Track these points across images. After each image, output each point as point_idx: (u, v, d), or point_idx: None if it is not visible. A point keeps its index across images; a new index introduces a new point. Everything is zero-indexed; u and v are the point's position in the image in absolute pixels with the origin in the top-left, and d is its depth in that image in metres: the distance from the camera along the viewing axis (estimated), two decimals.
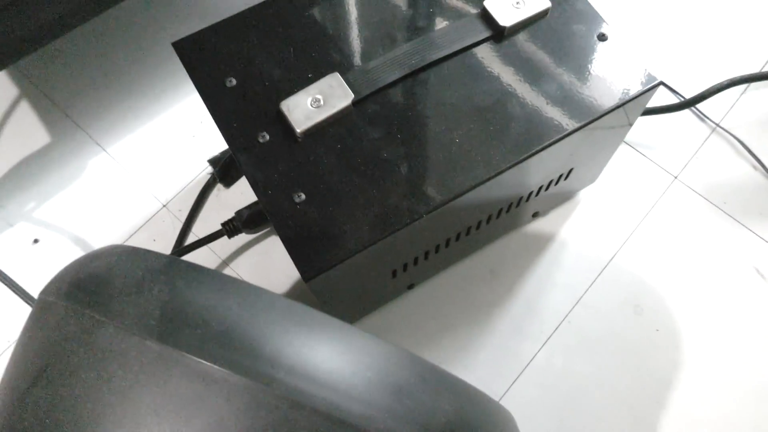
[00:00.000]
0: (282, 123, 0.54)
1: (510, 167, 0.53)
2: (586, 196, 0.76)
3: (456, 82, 0.56)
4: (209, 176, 0.77)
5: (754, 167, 0.78)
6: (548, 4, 0.58)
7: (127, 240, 0.74)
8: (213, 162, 0.78)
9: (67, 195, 0.76)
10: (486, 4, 0.58)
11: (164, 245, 0.74)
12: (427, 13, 0.59)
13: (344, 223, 0.51)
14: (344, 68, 0.56)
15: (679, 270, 0.73)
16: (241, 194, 0.76)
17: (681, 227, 0.75)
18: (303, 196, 0.52)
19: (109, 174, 0.77)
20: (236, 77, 0.56)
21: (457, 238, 0.65)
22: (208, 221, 0.75)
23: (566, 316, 0.71)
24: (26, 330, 0.35)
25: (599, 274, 0.72)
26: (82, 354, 0.31)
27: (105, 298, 0.32)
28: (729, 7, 0.88)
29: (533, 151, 0.53)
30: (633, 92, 0.56)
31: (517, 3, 0.58)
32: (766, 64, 0.84)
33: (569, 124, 0.54)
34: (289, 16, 0.59)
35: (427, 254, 0.64)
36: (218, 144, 0.79)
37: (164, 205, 0.76)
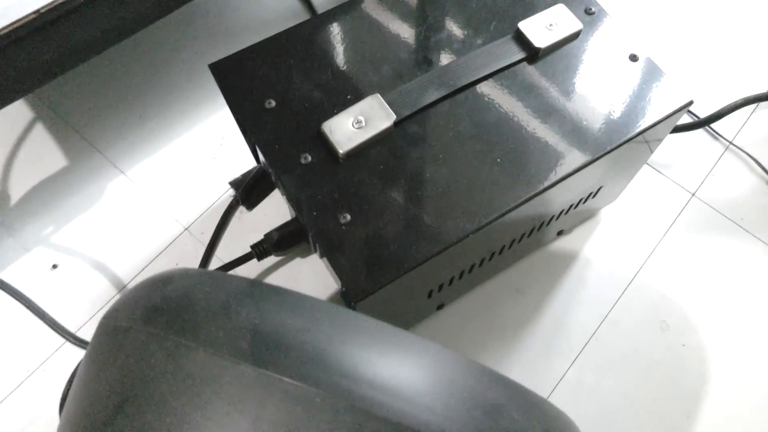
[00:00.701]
0: (324, 144, 0.54)
1: (551, 186, 0.53)
2: (607, 213, 0.77)
3: (494, 102, 0.57)
4: (231, 199, 0.76)
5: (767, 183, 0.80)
6: (580, 26, 0.59)
7: (149, 265, 0.73)
8: (235, 184, 0.77)
9: (86, 219, 0.75)
10: (520, 25, 0.59)
11: None
12: (461, 36, 0.60)
13: (391, 244, 0.51)
14: (384, 89, 0.57)
15: (701, 285, 0.73)
16: (264, 216, 0.76)
17: (701, 243, 0.76)
18: (348, 217, 0.51)
19: (128, 197, 0.76)
20: (275, 99, 0.56)
21: (491, 257, 0.65)
22: (231, 244, 0.74)
23: (594, 333, 0.71)
24: (95, 357, 0.35)
25: (624, 291, 0.73)
26: (170, 381, 0.30)
27: (190, 323, 0.31)
28: (734, 29, 0.90)
29: (572, 170, 0.54)
30: (666, 111, 0.57)
31: (550, 25, 0.59)
32: None
33: (606, 144, 0.55)
34: (325, 38, 0.59)
35: (462, 274, 0.64)
36: (239, 165, 0.79)
37: (186, 228, 0.75)
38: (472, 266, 0.64)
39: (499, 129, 0.55)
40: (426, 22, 0.60)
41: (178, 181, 0.78)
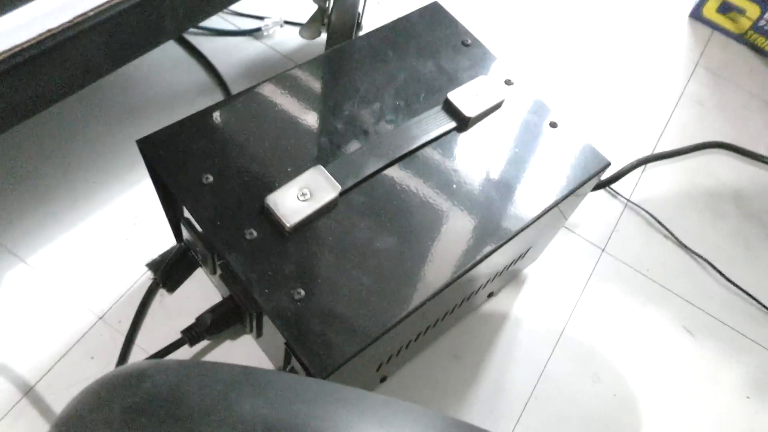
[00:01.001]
0: (269, 218, 0.52)
1: (489, 254, 0.54)
2: (530, 272, 0.80)
3: (430, 171, 0.58)
4: (151, 281, 0.71)
5: (665, 236, 0.87)
6: (503, 96, 0.63)
7: (60, 360, 0.65)
8: (153, 266, 0.72)
9: None
10: (449, 96, 0.61)
11: (105, 362, 0.66)
12: (394, 106, 0.61)
13: (349, 317, 0.49)
14: (324, 160, 0.56)
15: (623, 335, 0.77)
16: (188, 298, 0.71)
17: (616, 294, 0.80)
18: (302, 292, 0.49)
19: (30, 286, 0.69)
20: (212, 174, 0.54)
21: (435, 323, 0.65)
22: (154, 331, 0.69)
23: (532, 392, 0.72)
24: None
25: (554, 347, 0.75)
26: None
27: (187, 422, 0.28)
28: (622, 98, 1.00)
29: (509, 237, 0.55)
30: (589, 173, 0.61)
31: (476, 95, 0.62)
32: (656, 145, 0.96)
33: (538, 208, 0.57)
34: (258, 111, 0.58)
35: (408, 343, 0.63)
36: (155, 246, 0.74)
37: (100, 318, 0.68)
38: (419, 334, 0.63)
39: (438, 197, 0.56)
40: (358, 93, 0.61)
41: (87, 266, 0.71)
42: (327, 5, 0.87)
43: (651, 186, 0.91)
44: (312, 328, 0.48)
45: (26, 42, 0.53)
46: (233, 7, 0.95)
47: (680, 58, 1.08)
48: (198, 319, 0.63)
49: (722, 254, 0.86)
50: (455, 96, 0.61)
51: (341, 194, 0.54)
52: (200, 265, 0.72)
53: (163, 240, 0.74)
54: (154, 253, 0.73)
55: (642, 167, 0.93)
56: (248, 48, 0.93)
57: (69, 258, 0.71)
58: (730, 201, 0.92)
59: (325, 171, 0.54)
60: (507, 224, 0.56)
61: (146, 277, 0.72)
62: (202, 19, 0.67)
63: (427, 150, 0.59)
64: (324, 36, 0.89)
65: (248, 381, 0.30)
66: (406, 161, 0.58)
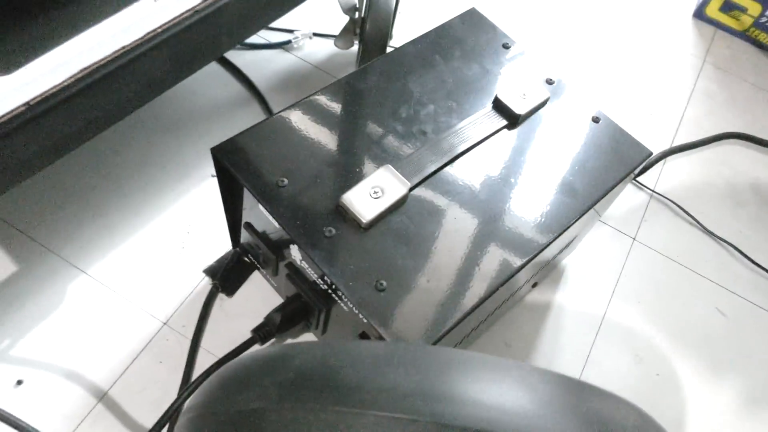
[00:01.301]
0: (345, 216, 0.55)
1: (548, 244, 0.58)
2: (568, 263, 0.84)
3: (488, 166, 0.61)
4: (211, 286, 0.73)
5: (690, 223, 0.91)
6: (548, 94, 0.66)
7: (130, 365, 0.67)
8: (210, 272, 0.75)
9: (48, 326, 0.68)
10: (498, 94, 0.65)
11: (173, 365, 0.68)
12: (447, 107, 0.64)
13: (428, 305, 0.52)
14: (390, 160, 0.59)
15: (659, 317, 0.81)
16: (246, 301, 0.74)
17: (651, 279, 0.84)
18: (384, 283, 0.52)
19: (94, 297, 0.71)
20: (286, 177, 0.57)
21: (493, 312, 0.68)
22: (218, 333, 0.71)
23: (580, 375, 0.75)
24: None
25: (597, 332, 0.78)
26: None
27: (345, 390, 0.31)
28: (637, 96, 1.04)
29: (565, 228, 0.59)
30: (634, 162, 0.64)
31: (524, 94, 0.65)
32: (674, 138, 1.00)
33: (593, 196, 0.61)
34: (322, 117, 0.61)
35: (470, 333, 0.66)
36: (210, 253, 0.76)
37: (165, 323, 0.71)
38: (479, 323, 0.66)
39: (495, 194, 0.59)
40: (413, 97, 0.64)
41: (147, 274, 0.73)
42: (358, 16, 0.90)
43: (673, 177, 0.95)
44: (396, 317, 0.51)
45: (103, 59, 0.56)
46: None
47: (688, 57, 1.13)
48: (267, 318, 0.65)
49: (745, 239, 0.90)
50: (504, 95, 0.65)
51: (409, 190, 0.57)
52: (257, 269, 0.75)
53: (217, 247, 0.77)
54: (210, 259, 0.75)
55: (663, 160, 0.97)
56: (280, 60, 0.96)
57: (128, 268, 0.73)
58: (748, 189, 0.96)
59: (394, 170, 0.57)
60: (561, 216, 0.59)
61: (204, 282, 0.74)
62: (252, 34, 0.70)
63: (483, 147, 0.62)
64: (355, 46, 0.92)
65: (394, 353, 0.33)
66: (464, 158, 0.61)
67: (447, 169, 0.60)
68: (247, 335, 0.70)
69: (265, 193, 0.55)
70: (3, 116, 0.51)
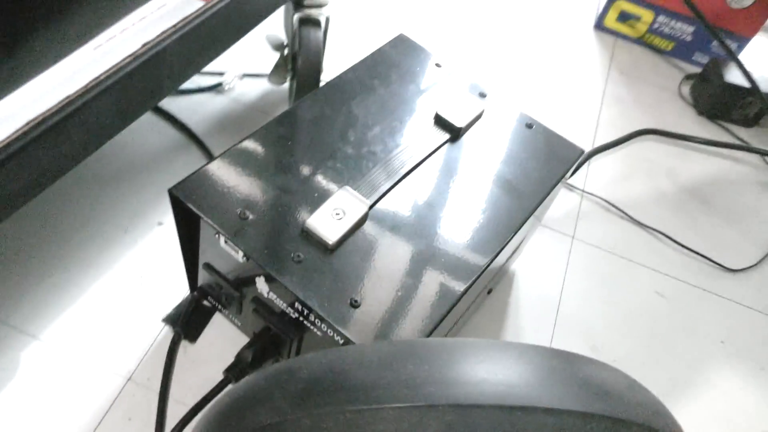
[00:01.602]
0: (311, 240, 0.56)
1: (506, 243, 0.61)
2: (517, 268, 0.87)
3: (438, 179, 0.64)
4: (173, 335, 0.71)
5: (621, 217, 0.97)
6: (483, 107, 0.70)
7: (98, 426, 0.65)
8: (169, 320, 0.73)
9: (5, 397, 0.65)
10: (439, 111, 0.68)
11: (144, 420, 0.66)
12: (391, 127, 0.67)
13: (404, 315, 0.53)
14: (346, 182, 0.61)
15: (607, 307, 0.85)
16: (210, 345, 0.72)
17: (594, 273, 0.89)
18: (358, 300, 0.53)
19: (50, 362, 0.68)
20: (248, 209, 0.57)
21: (457, 321, 0.70)
22: (185, 382, 0.69)
23: None
24: None
25: (554, 328, 0.82)
26: None
27: (359, 389, 0.32)
28: (553, 106, 1.11)
29: (518, 227, 0.62)
30: (571, 161, 0.69)
31: (460, 108, 0.69)
32: (594, 141, 1.07)
33: (536, 198, 0.65)
34: (272, 148, 0.62)
35: (446, 335, 0.67)
36: (167, 301, 0.75)
37: (129, 379, 0.68)
38: (450, 328, 0.68)
39: (448, 204, 0.62)
40: (358, 120, 0.67)
41: (103, 331, 0.71)
42: (288, 52, 0.92)
43: (599, 176, 1.02)
44: (375, 329, 0.52)
45: (48, 110, 0.55)
46: None
47: (595, 65, 1.22)
48: (237, 356, 0.65)
49: (671, 225, 0.97)
50: (443, 111, 0.68)
51: (369, 208, 0.59)
52: (218, 310, 0.74)
53: (173, 294, 0.75)
54: (167, 308, 0.74)
55: (588, 161, 1.03)
56: (212, 103, 0.96)
57: (83, 326, 0.71)
58: (665, 179, 1.04)
59: (352, 190, 0.59)
60: (512, 217, 0.62)
61: (165, 331, 0.72)
62: (193, 75, 0.70)
63: (431, 161, 0.65)
64: (287, 83, 0.94)
65: (398, 350, 0.34)
66: (415, 173, 0.64)
67: (401, 185, 0.62)
68: (216, 380, 0.69)
69: (230, 227, 0.56)
70: None
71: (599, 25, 1.28)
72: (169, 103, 0.94)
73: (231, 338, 0.73)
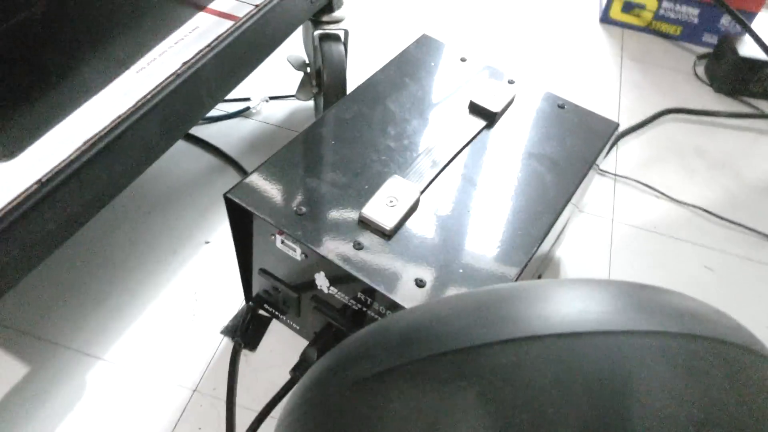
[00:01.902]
0: (369, 228, 0.57)
1: (553, 223, 0.62)
2: (561, 255, 0.88)
3: (482, 163, 0.65)
4: (233, 345, 0.72)
5: (657, 197, 0.97)
6: (514, 92, 0.72)
7: None
8: (228, 331, 0.74)
9: (76, 418, 0.65)
10: (473, 99, 0.69)
11: (214, 428, 0.66)
12: (428, 119, 0.68)
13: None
14: (394, 173, 0.62)
15: (658, 283, 0.85)
16: (270, 351, 0.73)
17: (639, 253, 0.89)
18: (424, 280, 0.54)
19: (117, 380, 0.69)
20: (303, 205, 0.59)
21: None
22: (250, 389, 0.70)
23: None
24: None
25: None
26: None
27: (457, 332, 0.33)
28: (574, 97, 1.13)
29: (564, 203, 0.63)
30: (607, 135, 0.70)
31: (492, 95, 0.71)
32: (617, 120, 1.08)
33: (579, 175, 0.65)
34: (318, 148, 0.64)
35: None
36: (222, 314, 0.76)
37: (194, 390, 0.69)
38: None
39: (498, 184, 0.63)
40: (395, 116, 0.68)
41: (164, 348, 0.72)
42: (311, 70, 0.95)
43: (629, 159, 1.03)
44: None
45: (103, 129, 0.58)
46: None
47: (606, 56, 1.23)
48: (303, 355, 0.65)
49: (708, 200, 0.97)
50: (477, 98, 0.70)
51: (420, 194, 0.60)
52: (275, 317, 0.75)
53: (228, 307, 0.76)
54: (223, 320, 0.75)
55: (616, 144, 1.04)
56: (242, 127, 0.99)
57: (144, 345, 0.72)
58: (694, 156, 1.04)
59: (401, 178, 0.60)
60: (559, 191, 0.63)
61: (224, 343, 0.73)
62: (229, 91, 0.73)
63: (471, 147, 0.66)
64: (310, 101, 0.97)
65: (491, 294, 0.35)
66: (458, 159, 0.65)
67: (446, 170, 0.64)
68: (280, 383, 0.70)
69: (288, 223, 0.57)
70: (19, 196, 0.51)
71: (605, 18, 1.31)
72: (201, 131, 0.97)
73: (290, 343, 0.74)
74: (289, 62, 0.96)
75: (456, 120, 0.69)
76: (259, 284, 0.71)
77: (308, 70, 0.96)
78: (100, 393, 0.68)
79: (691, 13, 1.24)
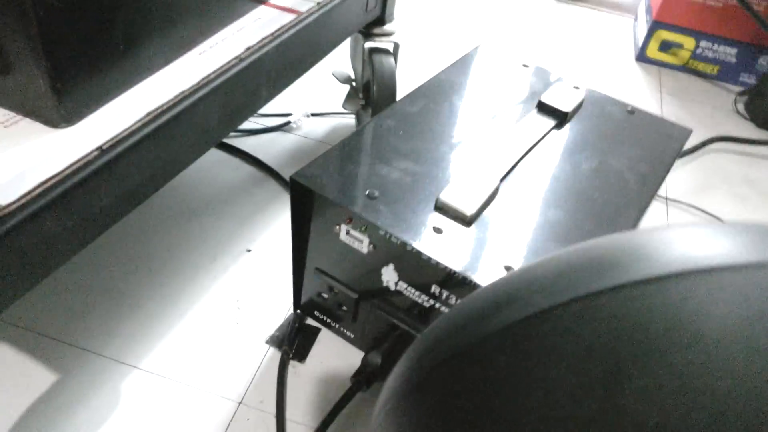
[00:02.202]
0: (447, 214, 0.53)
1: (639, 218, 0.58)
2: None
3: (558, 159, 0.62)
4: (281, 355, 0.67)
5: (712, 220, 0.93)
6: (582, 96, 0.69)
7: None
8: (274, 341, 0.69)
9: (110, 429, 0.59)
10: (542, 98, 0.67)
11: None
12: (495, 116, 0.65)
13: None
14: (469, 162, 0.59)
15: None
16: (320, 363, 0.67)
17: None
18: (510, 264, 0.50)
19: (155, 391, 0.63)
20: (375, 188, 0.55)
21: None
22: (300, 402, 0.64)
23: None
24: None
25: None
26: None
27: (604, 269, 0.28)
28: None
29: (647, 203, 0.59)
30: (680, 141, 0.67)
31: (561, 97, 0.68)
32: None
33: (656, 181, 0.62)
34: (384, 137, 0.61)
35: None
36: (267, 324, 0.70)
37: (240, 402, 0.63)
38: None
39: (575, 180, 0.60)
40: (463, 111, 0.65)
41: (206, 357, 0.66)
42: (357, 84, 0.93)
43: (678, 185, 0.99)
44: None
45: (165, 103, 0.54)
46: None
47: (644, 92, 1.22)
48: (365, 361, 0.60)
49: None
50: (546, 98, 0.67)
51: (500, 182, 0.57)
52: (326, 326, 0.69)
53: (272, 317, 0.71)
54: (267, 330, 0.70)
55: None
56: (283, 141, 0.96)
57: (184, 354, 0.66)
58: (743, 184, 1.01)
59: (479, 167, 0.57)
60: (641, 190, 0.60)
61: (270, 353, 0.67)
62: (285, 86, 0.70)
63: (543, 144, 0.63)
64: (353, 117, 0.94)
65: (627, 238, 0.31)
66: (532, 153, 0.62)
67: (522, 163, 0.60)
68: (331, 397, 0.64)
69: (361, 206, 0.53)
70: (78, 161, 0.47)
71: (642, 57, 1.31)
72: (241, 143, 0.94)
73: (341, 354, 0.68)
74: (335, 76, 0.94)
75: (526, 118, 0.66)
76: (312, 287, 0.66)
77: (354, 84, 0.94)
78: (136, 403, 0.62)
79: (729, 52, 1.24)
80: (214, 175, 0.88)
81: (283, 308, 0.72)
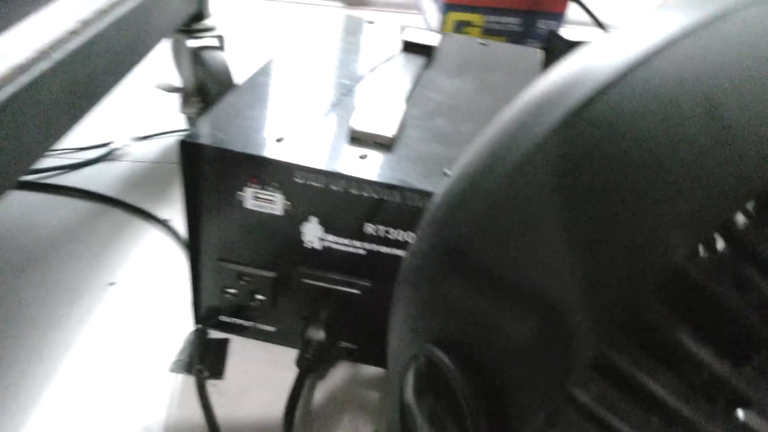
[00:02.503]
0: (365, 143, 0.48)
1: None
2: None
3: (441, 88, 0.60)
4: (196, 375, 0.55)
5: None
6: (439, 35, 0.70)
7: None
8: (181, 366, 0.57)
9: None
10: (405, 37, 0.65)
11: None
12: (366, 62, 0.63)
13: None
14: (364, 93, 0.54)
15: None
16: (243, 373, 0.57)
17: None
18: (448, 172, 0.46)
19: None
20: (279, 133, 0.48)
21: None
22: (234, 419, 0.53)
23: None
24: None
25: None
26: None
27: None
28: None
29: None
30: (536, 57, 0.70)
31: (423, 34, 0.67)
32: None
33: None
34: (266, 92, 0.54)
35: None
36: (163, 352, 0.58)
37: None
38: None
39: (463, 100, 0.59)
40: (335, 63, 0.62)
41: (99, 414, 0.52)
42: (188, 86, 0.85)
43: None
44: None
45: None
46: (71, 144, 0.85)
47: None
48: (305, 341, 0.51)
49: None
50: (409, 37, 0.66)
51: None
52: (236, 332, 0.59)
53: (166, 342, 0.59)
54: (165, 360, 0.58)
55: None
56: (113, 169, 0.83)
57: (71, 414, 0.52)
58: None
59: (380, 93, 0.53)
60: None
61: (180, 380, 0.56)
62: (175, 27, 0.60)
63: (422, 75, 0.62)
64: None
65: None
66: (418, 84, 0.59)
67: (414, 90, 0.58)
68: (270, 403, 0.55)
69: (272, 149, 0.46)
70: None
71: None
72: (63, 180, 0.79)
73: (264, 358, 0.58)
74: (160, 89, 0.85)
75: (397, 57, 0.64)
76: (214, 287, 0.56)
77: (184, 89, 0.85)
78: None
79: (513, 22, 1.36)
80: (42, 219, 0.73)
81: (177, 330, 0.61)
